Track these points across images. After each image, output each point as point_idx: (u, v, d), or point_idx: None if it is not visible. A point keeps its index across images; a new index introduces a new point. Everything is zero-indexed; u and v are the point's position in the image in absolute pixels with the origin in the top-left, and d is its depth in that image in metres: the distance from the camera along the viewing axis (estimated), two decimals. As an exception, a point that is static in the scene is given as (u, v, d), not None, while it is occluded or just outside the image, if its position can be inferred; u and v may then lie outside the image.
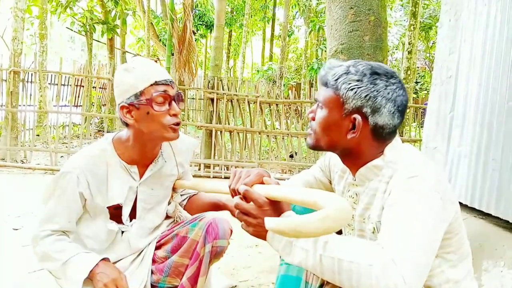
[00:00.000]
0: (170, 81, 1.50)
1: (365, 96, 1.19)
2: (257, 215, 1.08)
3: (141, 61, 1.55)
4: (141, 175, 1.62)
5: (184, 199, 1.89)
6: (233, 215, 1.30)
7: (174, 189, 1.79)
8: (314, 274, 1.39)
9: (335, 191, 1.52)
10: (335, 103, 1.24)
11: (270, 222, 0.96)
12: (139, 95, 1.46)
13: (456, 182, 2.70)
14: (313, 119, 1.31)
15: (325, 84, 1.27)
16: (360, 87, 1.20)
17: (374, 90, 1.19)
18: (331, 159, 1.54)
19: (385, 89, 1.20)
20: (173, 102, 1.49)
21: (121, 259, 1.65)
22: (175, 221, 1.80)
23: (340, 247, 0.98)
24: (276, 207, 1.09)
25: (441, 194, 1.11)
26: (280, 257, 1.51)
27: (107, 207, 1.57)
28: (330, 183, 1.57)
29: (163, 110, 1.47)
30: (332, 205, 0.91)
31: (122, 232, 1.63)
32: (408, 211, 1.07)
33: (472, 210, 2.55)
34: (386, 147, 1.26)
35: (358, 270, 0.94)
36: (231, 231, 1.66)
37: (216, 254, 1.61)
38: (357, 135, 1.22)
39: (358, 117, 1.21)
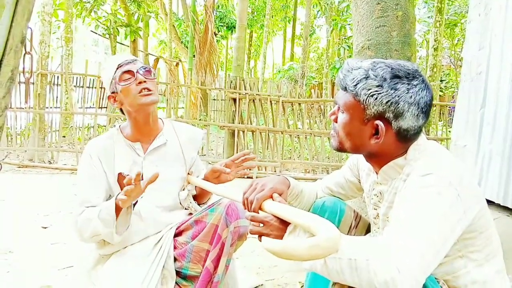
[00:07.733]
0: (132, 60, 1.76)
1: (387, 102, 1.15)
2: (267, 233, 1.12)
3: (111, 57, 1.76)
4: (145, 151, 1.80)
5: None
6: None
7: (188, 182, 1.87)
8: None
9: (363, 190, 1.51)
10: (355, 109, 1.20)
11: (266, 243, 1.04)
12: (112, 81, 1.75)
13: (487, 181, 2.62)
14: (335, 120, 1.28)
15: (344, 89, 1.23)
16: (380, 93, 1.15)
17: (395, 96, 1.14)
18: (360, 158, 1.52)
19: (406, 93, 1.15)
20: (137, 73, 1.72)
21: (143, 239, 1.71)
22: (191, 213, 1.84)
23: (342, 247, 0.98)
24: (282, 222, 1.12)
25: (459, 190, 1.08)
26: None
27: (119, 186, 1.69)
28: (360, 182, 1.55)
29: (129, 83, 1.71)
30: (323, 234, 0.96)
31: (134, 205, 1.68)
32: (415, 205, 1.06)
33: (505, 209, 2.48)
34: (410, 146, 1.24)
35: (357, 266, 0.95)
36: None
37: (240, 235, 1.63)
38: (381, 141, 1.19)
39: (380, 123, 1.17)
